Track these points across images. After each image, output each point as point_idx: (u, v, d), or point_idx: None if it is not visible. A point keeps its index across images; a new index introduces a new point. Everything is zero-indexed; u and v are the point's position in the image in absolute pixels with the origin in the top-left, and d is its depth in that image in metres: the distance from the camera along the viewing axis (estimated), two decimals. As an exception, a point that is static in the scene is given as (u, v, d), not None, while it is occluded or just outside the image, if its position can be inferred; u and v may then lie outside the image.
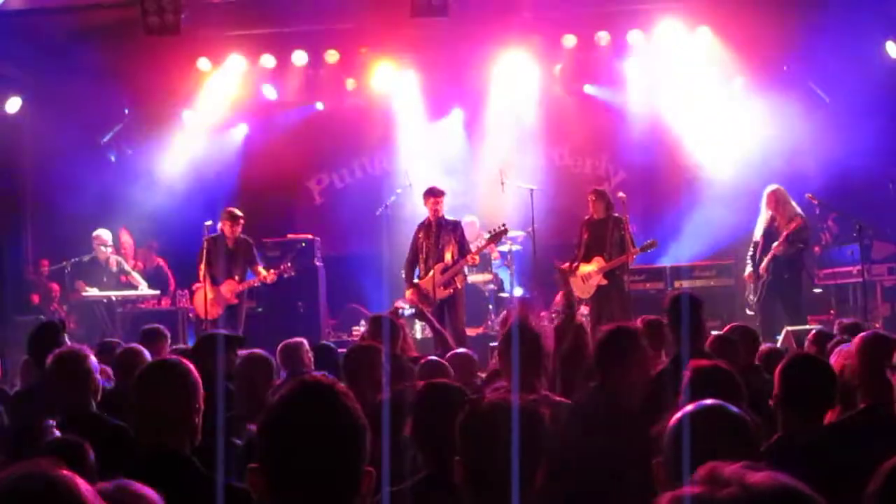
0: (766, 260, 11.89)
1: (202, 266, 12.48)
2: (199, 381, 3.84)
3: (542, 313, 12.74)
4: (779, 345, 9.33)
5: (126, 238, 14.89)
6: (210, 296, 12.35)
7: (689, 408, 3.14)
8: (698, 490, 1.87)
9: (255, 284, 12.70)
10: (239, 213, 12.67)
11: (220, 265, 12.42)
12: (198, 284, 12.65)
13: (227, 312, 12.33)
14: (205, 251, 12.48)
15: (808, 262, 12.91)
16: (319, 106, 16.27)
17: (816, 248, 13.41)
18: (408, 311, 12.36)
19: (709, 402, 3.22)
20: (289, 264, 12.88)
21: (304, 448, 2.31)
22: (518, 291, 14.67)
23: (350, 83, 15.79)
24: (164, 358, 4.37)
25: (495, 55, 15.27)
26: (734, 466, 1.95)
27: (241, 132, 16.32)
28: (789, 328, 10.19)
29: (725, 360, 5.24)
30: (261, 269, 12.64)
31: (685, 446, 2.98)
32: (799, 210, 11.95)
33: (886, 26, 13.33)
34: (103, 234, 13.70)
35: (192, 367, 3.88)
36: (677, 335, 6.31)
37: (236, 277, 12.47)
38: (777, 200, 11.96)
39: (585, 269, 12.09)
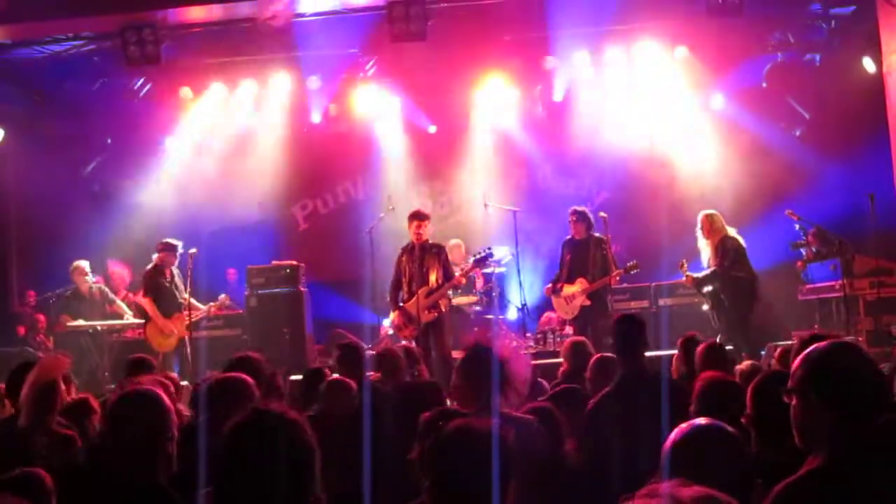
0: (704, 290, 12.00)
1: (148, 299, 12.53)
2: (171, 409, 3.83)
3: (510, 336, 12.80)
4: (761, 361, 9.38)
5: (118, 269, 14.87)
6: (161, 328, 12.42)
7: (685, 427, 3.18)
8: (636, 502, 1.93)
9: (203, 316, 12.70)
10: (175, 242, 12.68)
11: (168, 298, 12.46)
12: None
13: (180, 344, 12.42)
14: (154, 286, 12.56)
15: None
16: (302, 132, 16.25)
17: (799, 264, 13.47)
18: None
19: (704, 421, 3.26)
20: (224, 295, 12.98)
21: (250, 473, 2.37)
22: (512, 314, 14.70)
23: (332, 108, 15.81)
24: (133, 388, 4.32)
25: (477, 78, 15.35)
26: (672, 482, 2.01)
27: (223, 159, 16.28)
28: (771, 344, 10.24)
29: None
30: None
31: (681, 465, 3.02)
32: (726, 231, 11.89)
33: (863, 41, 13.44)
34: (82, 265, 13.65)
35: (163, 395, 3.86)
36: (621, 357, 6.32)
37: (185, 310, 12.45)
38: (701, 227, 11.97)
39: (569, 290, 12.11)
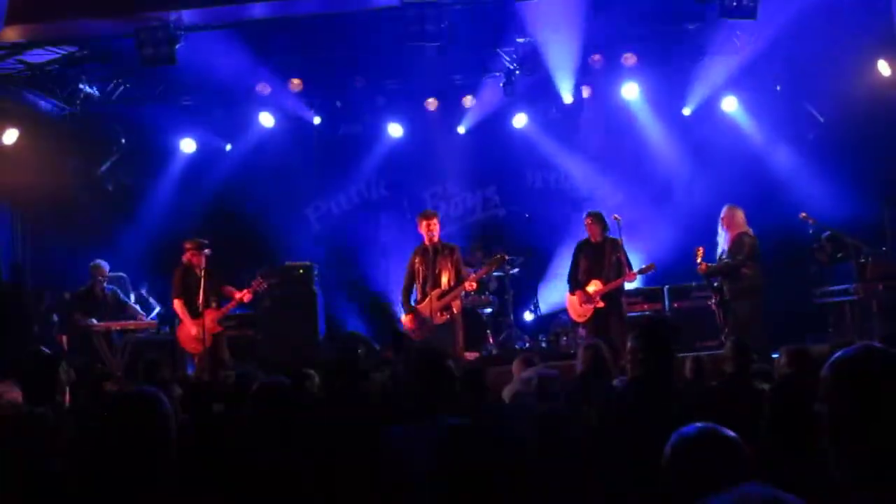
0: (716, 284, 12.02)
1: (179, 301, 12.42)
2: (170, 412, 3.80)
3: None
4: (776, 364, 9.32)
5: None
6: (194, 330, 12.21)
7: (684, 431, 3.16)
8: None
9: (233, 306, 12.48)
10: (204, 241, 12.54)
11: (197, 297, 12.26)
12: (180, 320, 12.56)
13: (214, 340, 12.29)
14: (181, 285, 12.42)
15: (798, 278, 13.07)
16: (316, 133, 16.21)
17: (817, 264, 13.47)
18: None
19: (702, 425, 3.24)
20: (259, 279, 12.68)
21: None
22: (526, 316, 14.70)
23: (345, 109, 15.76)
24: (132, 390, 4.28)
25: (489, 79, 15.30)
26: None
27: (237, 159, 16.29)
28: (785, 348, 10.18)
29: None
30: (234, 290, 12.45)
31: (682, 469, 3.00)
32: (746, 228, 11.92)
33: (878, 44, 13.39)
34: (102, 265, 13.69)
35: (163, 398, 3.83)
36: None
37: (213, 305, 12.32)
38: (723, 218, 12.00)
39: (584, 292, 12.07)
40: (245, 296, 12.37)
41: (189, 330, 12.29)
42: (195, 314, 12.23)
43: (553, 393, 6.26)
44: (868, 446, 2.87)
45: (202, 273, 12.31)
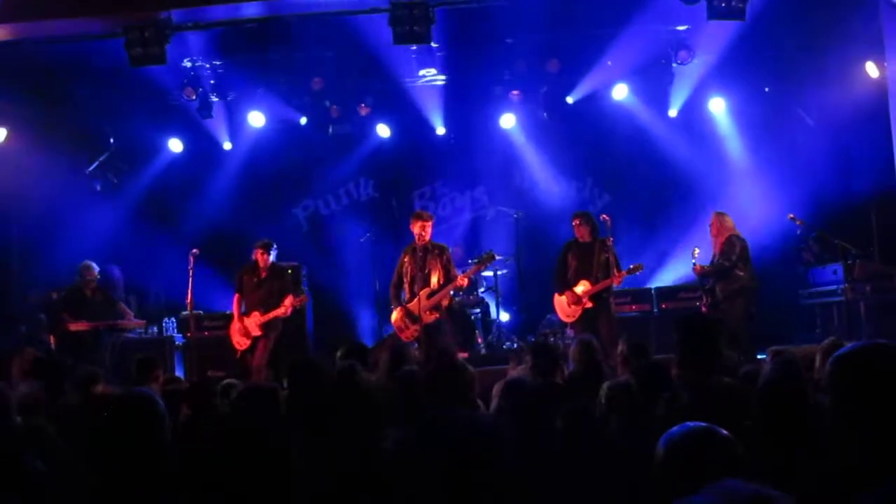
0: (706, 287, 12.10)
1: (236, 296, 12.49)
2: (166, 412, 3.81)
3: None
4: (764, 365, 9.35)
5: (116, 273, 14.89)
6: (238, 327, 12.32)
7: (677, 431, 3.16)
8: None
9: (275, 316, 12.24)
10: (271, 242, 12.55)
11: (251, 296, 12.36)
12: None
13: (254, 343, 12.27)
14: (240, 282, 12.48)
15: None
16: (305, 133, 16.19)
17: (800, 268, 13.52)
18: None
19: (695, 424, 3.24)
20: (302, 296, 12.66)
21: None
22: (504, 316, 14.70)
23: (336, 109, 15.74)
24: (128, 392, 4.28)
25: (479, 80, 15.31)
26: None
27: (226, 159, 16.26)
28: (772, 349, 10.22)
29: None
30: (288, 300, 12.22)
31: (678, 469, 3.01)
32: (735, 231, 11.99)
33: (867, 46, 13.43)
34: (90, 264, 13.63)
35: (158, 399, 3.83)
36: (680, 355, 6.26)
37: (262, 309, 12.24)
38: (711, 225, 12.11)
39: (573, 292, 12.07)
40: (286, 310, 12.28)
41: (234, 326, 12.42)
42: (245, 312, 12.34)
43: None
44: (870, 439, 2.89)
45: (263, 273, 12.37)
